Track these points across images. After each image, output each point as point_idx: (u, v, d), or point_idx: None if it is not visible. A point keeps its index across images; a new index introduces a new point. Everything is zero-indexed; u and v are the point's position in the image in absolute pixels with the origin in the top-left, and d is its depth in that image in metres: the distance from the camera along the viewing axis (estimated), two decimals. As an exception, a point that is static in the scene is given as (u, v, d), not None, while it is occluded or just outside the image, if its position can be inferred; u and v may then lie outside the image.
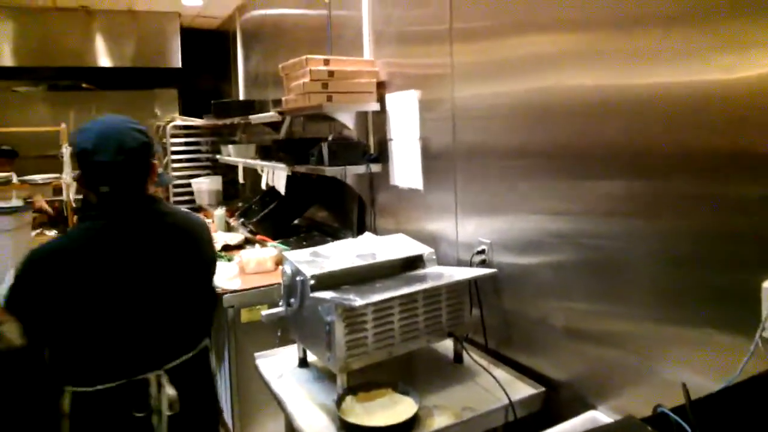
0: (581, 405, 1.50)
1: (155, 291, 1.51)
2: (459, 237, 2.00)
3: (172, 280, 1.55)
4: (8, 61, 5.06)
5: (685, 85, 1.17)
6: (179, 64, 5.47)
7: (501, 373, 1.73)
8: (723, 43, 1.09)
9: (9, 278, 1.42)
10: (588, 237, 1.45)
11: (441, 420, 1.48)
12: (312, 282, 1.61)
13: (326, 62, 2.28)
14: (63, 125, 3.99)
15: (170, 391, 1.48)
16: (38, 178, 3.92)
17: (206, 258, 1.71)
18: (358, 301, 1.43)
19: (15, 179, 3.93)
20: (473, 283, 1.85)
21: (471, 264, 1.88)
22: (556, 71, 1.50)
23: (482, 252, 1.84)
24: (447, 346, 1.88)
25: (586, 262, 1.46)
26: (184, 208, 4.73)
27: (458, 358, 1.82)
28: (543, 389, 1.61)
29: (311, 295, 1.59)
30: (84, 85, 6.57)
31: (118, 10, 5.16)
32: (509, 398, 1.53)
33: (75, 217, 4.05)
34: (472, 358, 1.76)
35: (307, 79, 2.24)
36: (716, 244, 1.14)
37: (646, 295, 1.30)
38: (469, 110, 1.89)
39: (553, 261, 1.57)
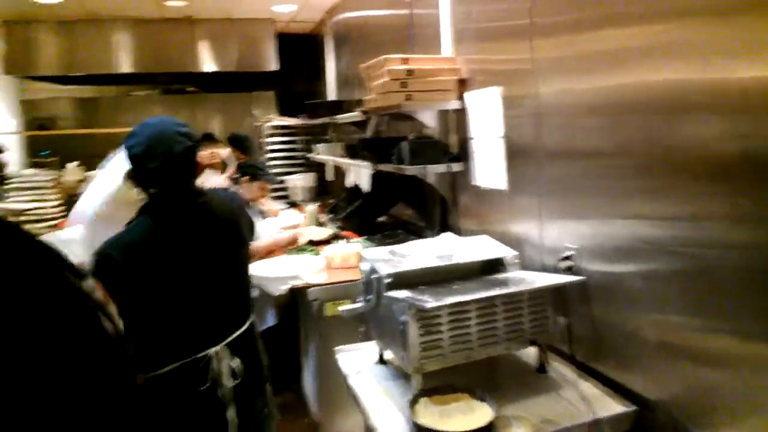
0: (678, 429, 1.36)
1: (208, 275, 1.65)
2: (544, 241, 1.90)
3: (220, 263, 1.69)
4: (127, 68, 5.58)
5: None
6: (275, 67, 5.72)
7: (588, 386, 1.62)
8: None
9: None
10: (686, 245, 1.31)
11: (518, 431, 1.42)
12: (387, 280, 1.60)
13: (405, 61, 2.26)
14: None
15: (233, 362, 1.64)
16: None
17: (244, 238, 1.83)
18: (430, 303, 1.40)
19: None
20: (559, 290, 1.75)
21: (556, 270, 1.78)
22: (650, 65, 1.37)
23: (569, 258, 1.74)
24: (531, 354, 1.80)
25: (685, 271, 1.32)
26: (279, 204, 4.98)
27: (542, 367, 1.73)
28: (635, 408, 1.49)
29: (386, 293, 1.59)
30: (189, 89, 7.10)
31: (218, 18, 5.49)
32: (594, 414, 1.43)
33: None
34: (557, 368, 1.67)
35: (386, 79, 2.24)
36: None
37: (759, 311, 1.15)
38: (555, 107, 1.79)
39: (648, 269, 1.44)
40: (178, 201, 1.64)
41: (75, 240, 3.01)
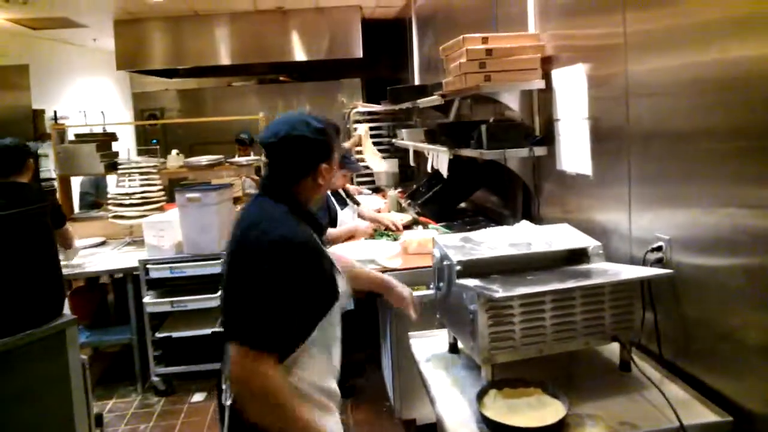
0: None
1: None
2: (633, 231, 1.76)
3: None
4: (225, 60, 5.91)
5: None
6: (360, 55, 5.78)
7: (675, 389, 1.49)
8: None
9: None
10: (800, 238, 1.15)
11: (592, 431, 1.34)
12: (458, 268, 1.57)
13: (484, 40, 2.17)
14: (261, 114, 4.51)
15: None
16: (243, 160, 4.53)
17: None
18: (499, 293, 1.35)
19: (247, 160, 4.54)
20: (645, 283, 1.62)
21: (644, 262, 1.64)
22: (754, 36, 1.21)
23: (659, 249, 1.60)
24: (615, 351, 1.68)
25: (796, 268, 1.17)
26: (365, 189, 5.05)
27: (625, 366, 1.61)
28: (730, 419, 1.34)
29: (456, 281, 1.55)
30: (281, 78, 7.39)
31: (308, 8, 5.64)
32: (680, 420, 1.31)
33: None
34: (639, 368, 1.55)
35: (463, 59, 2.17)
36: None
37: None
38: (645, 86, 1.64)
39: (752, 264, 1.29)
40: (266, 188, 1.53)
41: (173, 221, 3.29)
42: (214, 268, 3.28)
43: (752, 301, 1.29)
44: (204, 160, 4.27)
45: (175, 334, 3.34)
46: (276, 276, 1.31)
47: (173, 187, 3.75)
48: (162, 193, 3.91)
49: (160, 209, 3.84)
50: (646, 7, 1.62)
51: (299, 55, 5.89)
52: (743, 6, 1.25)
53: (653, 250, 1.62)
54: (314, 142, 1.47)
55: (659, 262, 1.59)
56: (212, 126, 5.88)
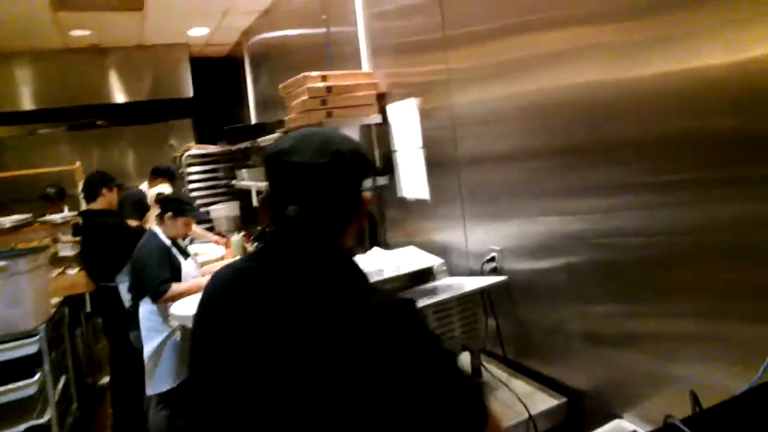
0: (606, 414, 1.41)
1: None
2: (469, 245, 1.94)
3: None
4: (28, 104, 5.22)
5: (688, 72, 1.10)
6: (191, 94, 5.55)
7: (521, 384, 1.65)
8: (722, 23, 1.03)
9: None
10: (600, 236, 1.38)
11: (457, 438, 1.41)
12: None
13: (324, 78, 2.26)
14: (78, 163, 4.06)
15: None
16: (57, 217, 4.00)
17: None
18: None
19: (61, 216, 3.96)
20: (486, 292, 1.78)
21: (482, 272, 1.82)
22: (553, 70, 1.45)
23: (492, 260, 1.78)
24: (466, 360, 1.81)
25: (600, 262, 1.39)
26: (212, 236, 4.74)
27: (476, 372, 1.74)
28: (564, 399, 1.54)
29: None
30: (98, 123, 6.73)
31: (128, 46, 5.28)
32: (528, 412, 1.46)
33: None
34: (489, 371, 1.69)
35: (305, 97, 2.23)
36: (740, 232, 1.06)
37: (666, 293, 1.23)
38: (468, 116, 1.85)
39: (566, 264, 1.50)
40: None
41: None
42: (30, 347, 2.76)
43: (571, 295, 1.50)
44: (8, 222, 3.68)
45: (-23, 437, 2.72)
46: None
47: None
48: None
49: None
50: (463, 47, 1.84)
51: (118, 96, 5.46)
52: (547, 44, 1.48)
53: (488, 260, 1.80)
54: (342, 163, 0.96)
55: (494, 271, 1.77)
56: (15, 181, 5.07)
